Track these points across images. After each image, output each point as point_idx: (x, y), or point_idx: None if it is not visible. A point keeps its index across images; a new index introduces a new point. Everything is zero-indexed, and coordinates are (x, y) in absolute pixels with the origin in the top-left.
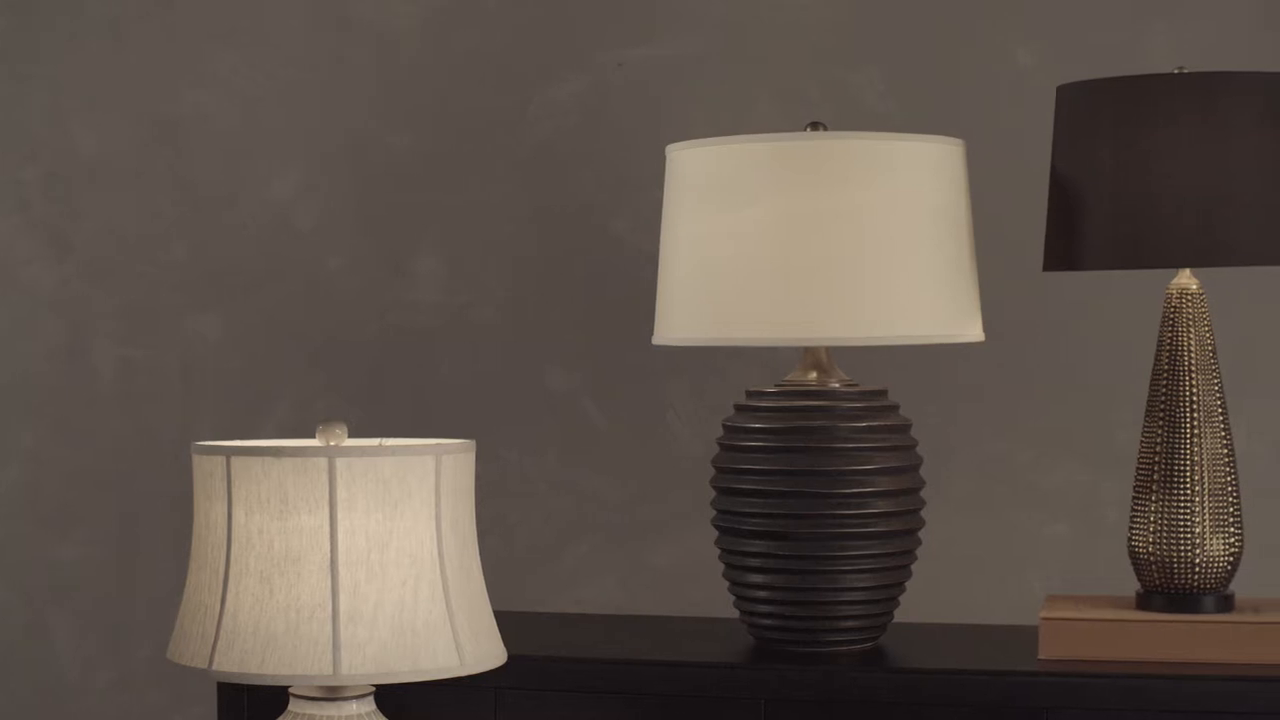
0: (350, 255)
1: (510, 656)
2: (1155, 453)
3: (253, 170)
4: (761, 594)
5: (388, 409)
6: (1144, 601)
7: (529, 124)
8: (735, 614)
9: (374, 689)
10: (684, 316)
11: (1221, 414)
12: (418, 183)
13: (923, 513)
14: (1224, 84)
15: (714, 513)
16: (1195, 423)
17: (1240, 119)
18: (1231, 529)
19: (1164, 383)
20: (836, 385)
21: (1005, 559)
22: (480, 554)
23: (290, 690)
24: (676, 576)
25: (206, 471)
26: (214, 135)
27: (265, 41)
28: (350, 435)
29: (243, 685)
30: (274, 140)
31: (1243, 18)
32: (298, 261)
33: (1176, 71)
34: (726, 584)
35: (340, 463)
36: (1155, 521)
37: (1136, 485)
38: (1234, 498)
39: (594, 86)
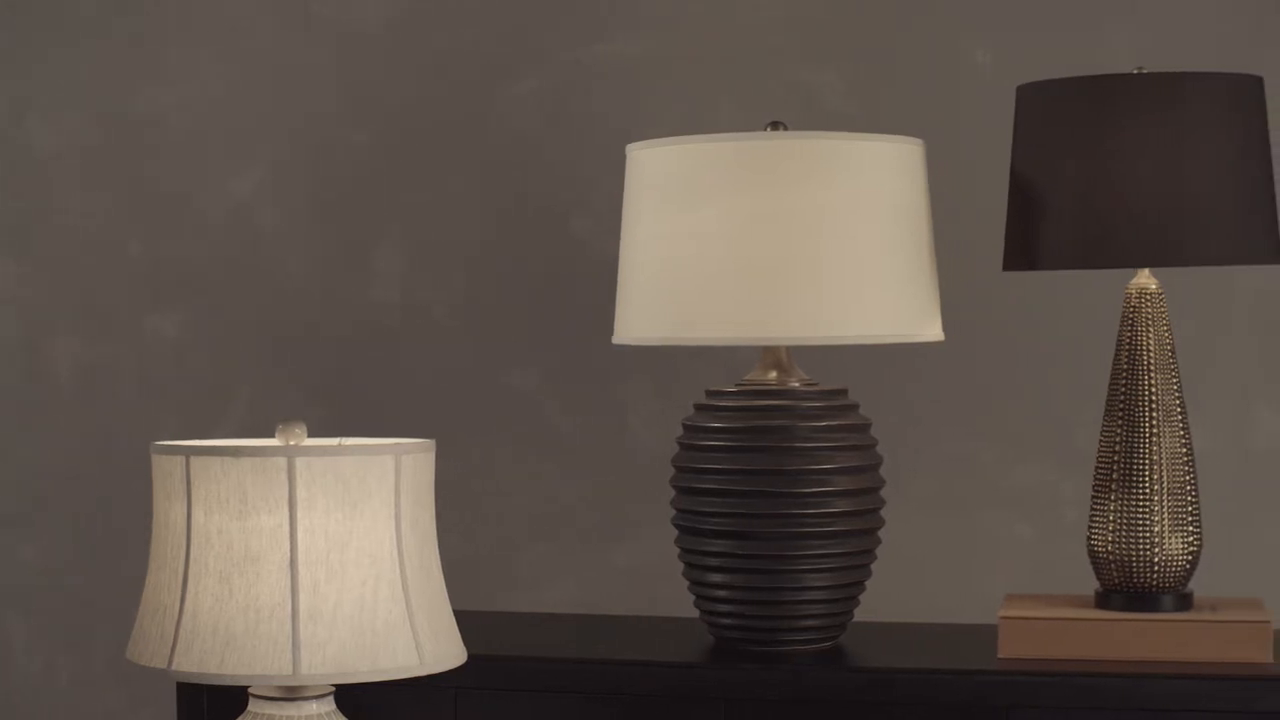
0: (311, 254)
1: (470, 656)
2: (1114, 452)
3: (213, 168)
4: (721, 593)
5: (348, 408)
6: (1103, 600)
7: (490, 123)
8: (695, 613)
9: (334, 689)
10: (644, 316)
11: (1180, 413)
12: (378, 181)
13: (882, 512)
14: (1183, 84)
15: (674, 512)
16: (1154, 422)
17: (1199, 119)
18: (1190, 528)
19: (1123, 382)
20: (796, 385)
21: (964, 558)
22: (440, 554)
23: (250, 690)
24: (637, 576)
25: (165, 471)
26: (174, 133)
27: (226, 39)
28: (310, 435)
29: (202, 685)
30: (234, 138)
31: (1202, 18)
32: (258, 260)
33: (1136, 72)
34: (687, 583)
35: (300, 462)
36: (1114, 521)
37: (1095, 484)
38: (1193, 497)
39: (555, 85)
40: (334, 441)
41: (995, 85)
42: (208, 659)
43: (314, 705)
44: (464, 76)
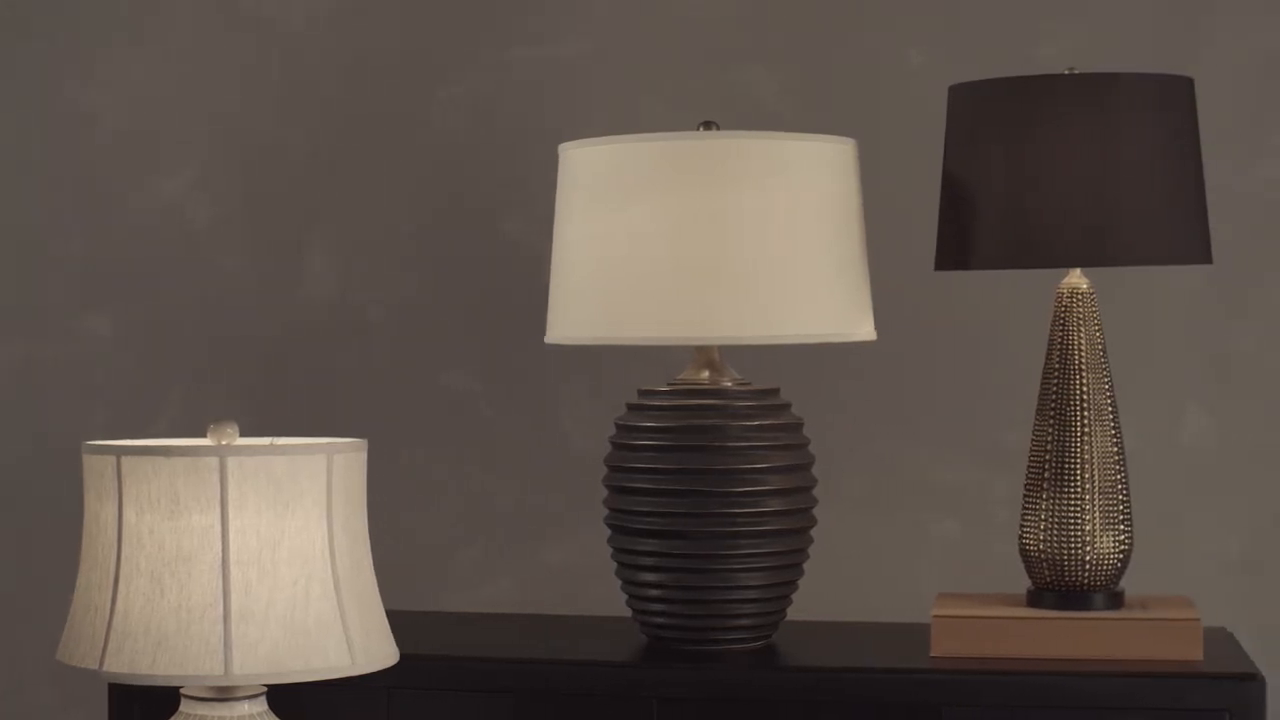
0: (243, 253)
1: (403, 656)
2: (1046, 451)
3: (145, 167)
4: (654, 592)
5: (280, 408)
6: (1035, 599)
7: (423, 123)
8: (628, 612)
9: (266, 689)
10: (576, 315)
11: (1111, 413)
12: (311, 181)
13: (815, 511)
14: (1114, 85)
15: (607, 512)
16: (1085, 421)
17: (1130, 120)
18: (1121, 527)
19: (1054, 381)
20: (729, 384)
21: (897, 557)
22: (373, 553)
23: (181, 691)
24: (570, 575)
25: (97, 471)
26: (106, 132)
27: (158, 38)
28: (242, 434)
29: (134, 686)
30: (167, 137)
31: (1133, 19)
32: (190, 259)
33: (1067, 72)
34: (620, 583)
35: (231, 462)
36: (1046, 519)
37: (1027, 483)
38: (1124, 496)
39: (488, 85)
40: (266, 441)
41: (928, 85)
42: (139, 659)
43: (246, 705)
44: (397, 76)
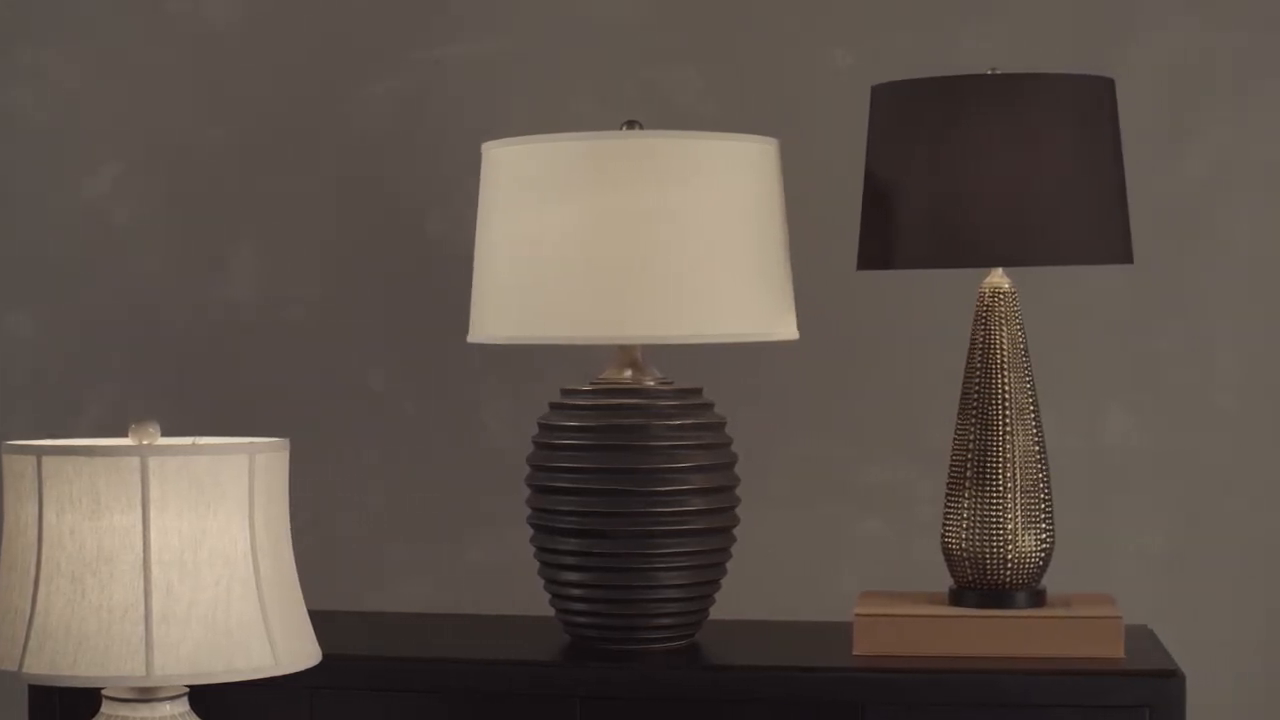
0: (166, 252)
1: (325, 656)
2: (968, 450)
3: (68, 166)
4: (577, 592)
5: (202, 408)
6: (957, 597)
7: (348, 121)
8: (551, 612)
9: (188, 690)
10: (499, 315)
11: (1033, 411)
12: (234, 180)
13: (737, 510)
14: (1035, 85)
15: (529, 511)
16: (1007, 420)
17: (1051, 120)
18: (1043, 525)
19: (976, 381)
20: (651, 384)
21: (820, 556)
22: (295, 553)
23: (103, 692)
24: (492, 575)
25: (17, 472)
26: (28, 130)
27: (80, 37)
28: (164, 434)
29: (54, 687)
30: (89, 136)
31: (1055, 20)
32: (113, 259)
33: (989, 73)
34: (542, 582)
35: (153, 462)
36: (968, 518)
37: (950, 482)
38: (1045, 494)
39: (412, 84)
40: (188, 441)
41: (852, 85)
42: (60, 660)
43: (167, 706)
44: (321, 75)
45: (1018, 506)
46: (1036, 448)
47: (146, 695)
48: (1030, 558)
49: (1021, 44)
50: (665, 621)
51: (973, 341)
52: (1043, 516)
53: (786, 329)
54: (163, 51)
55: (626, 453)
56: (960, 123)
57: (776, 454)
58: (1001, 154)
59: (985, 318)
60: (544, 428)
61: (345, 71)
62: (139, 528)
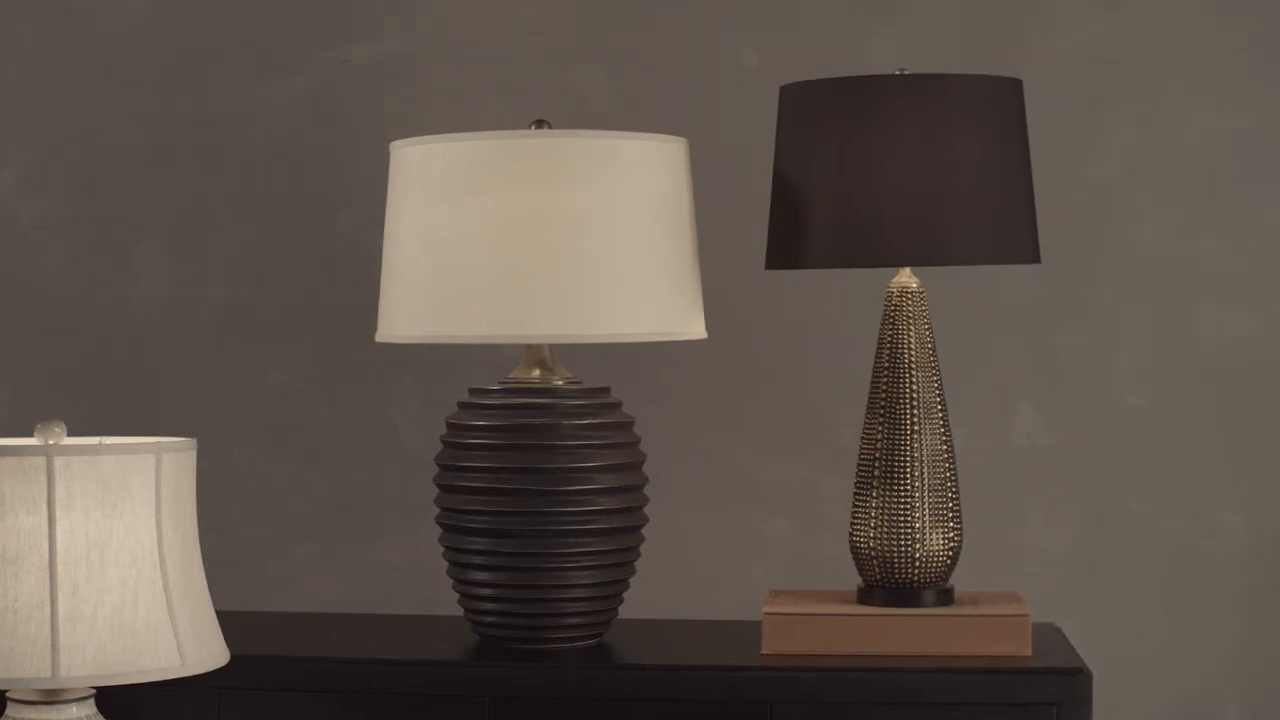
0: (72, 251)
1: (233, 656)
2: (876, 449)
3: None
4: (485, 591)
5: (108, 407)
6: (865, 596)
7: (257, 120)
8: (460, 611)
9: (95, 691)
10: (407, 314)
11: (941, 411)
12: (141, 178)
13: (646, 509)
14: (943, 85)
15: (438, 510)
16: (915, 420)
17: (960, 120)
18: (951, 524)
19: (884, 380)
20: (559, 383)
21: (728, 555)
22: (202, 553)
23: (8, 694)
24: (400, 574)
25: None
26: None
27: None
28: (70, 434)
29: None
30: None
31: (963, 21)
32: (18, 256)
33: (898, 73)
34: (451, 581)
35: (59, 461)
36: (876, 517)
37: (858, 481)
38: (953, 493)
39: (322, 83)
40: (94, 440)
41: (761, 85)
42: None
43: (74, 708)
44: (230, 73)
45: (925, 505)
46: (944, 447)
47: (53, 697)
48: (938, 556)
49: (930, 45)
50: (574, 621)
51: (881, 341)
52: (950, 515)
53: (695, 328)
54: (70, 47)
55: (535, 452)
56: (869, 123)
57: (685, 453)
58: (910, 154)
59: (893, 317)
60: (452, 427)
61: (254, 68)
62: (45, 528)
